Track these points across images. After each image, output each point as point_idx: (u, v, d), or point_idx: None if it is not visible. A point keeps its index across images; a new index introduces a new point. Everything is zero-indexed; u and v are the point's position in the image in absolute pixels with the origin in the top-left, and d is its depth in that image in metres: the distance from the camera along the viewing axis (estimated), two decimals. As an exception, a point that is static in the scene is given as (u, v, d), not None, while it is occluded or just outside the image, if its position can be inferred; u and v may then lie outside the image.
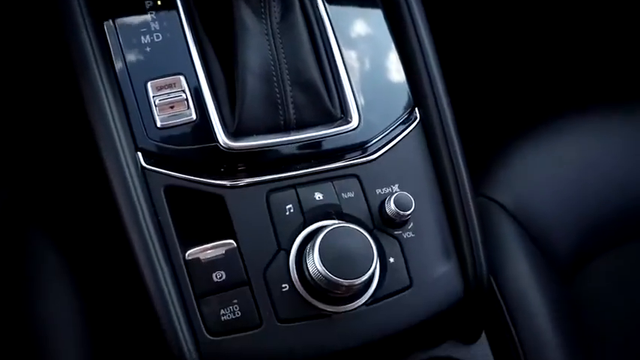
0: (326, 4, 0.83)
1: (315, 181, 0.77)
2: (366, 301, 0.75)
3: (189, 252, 0.73)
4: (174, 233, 0.73)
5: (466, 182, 0.82)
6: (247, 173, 0.75)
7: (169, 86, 0.75)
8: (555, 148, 1.05)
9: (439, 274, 0.79)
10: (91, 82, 0.74)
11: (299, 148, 0.77)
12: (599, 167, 1.04)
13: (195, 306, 0.72)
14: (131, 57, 0.76)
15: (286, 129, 0.78)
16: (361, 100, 0.80)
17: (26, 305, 0.85)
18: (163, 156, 0.74)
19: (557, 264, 0.98)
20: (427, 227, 0.80)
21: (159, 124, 0.75)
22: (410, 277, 0.77)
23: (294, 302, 0.74)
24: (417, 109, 0.83)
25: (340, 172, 0.78)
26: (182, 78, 0.76)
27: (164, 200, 0.73)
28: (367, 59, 0.83)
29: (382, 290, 0.76)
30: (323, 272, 0.70)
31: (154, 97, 0.75)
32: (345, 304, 0.74)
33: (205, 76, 0.76)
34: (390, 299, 0.76)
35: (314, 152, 0.78)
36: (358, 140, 0.79)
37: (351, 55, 0.82)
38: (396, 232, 0.78)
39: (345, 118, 0.79)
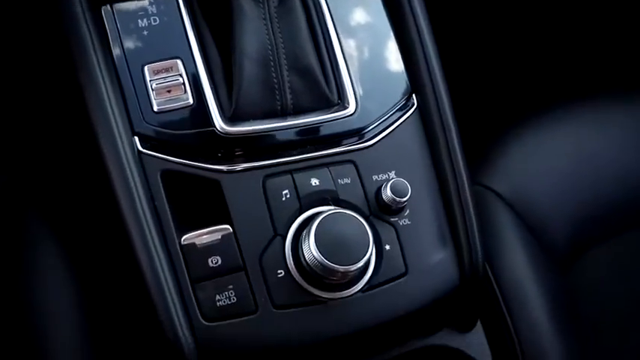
0: (323, -11, 0.82)
1: (312, 166, 0.77)
2: (361, 288, 0.75)
3: (185, 237, 0.73)
4: (170, 218, 0.73)
5: (463, 170, 0.81)
6: (244, 158, 0.75)
7: (166, 70, 0.75)
8: (554, 138, 1.05)
9: (435, 261, 0.79)
10: (88, 66, 0.74)
11: (296, 133, 0.77)
12: (597, 158, 1.04)
13: (191, 291, 0.72)
14: (128, 41, 0.76)
15: (283, 114, 0.77)
16: (358, 86, 0.80)
17: (23, 292, 0.85)
18: (160, 140, 0.74)
19: (553, 254, 0.98)
20: (423, 214, 0.79)
21: (156, 109, 0.74)
22: (406, 265, 0.77)
23: (290, 288, 0.74)
24: (414, 95, 0.83)
25: (337, 158, 0.78)
26: (179, 62, 0.76)
27: (160, 185, 0.73)
28: (365, 46, 0.82)
29: (378, 277, 0.76)
30: (319, 258, 0.70)
31: (150, 81, 0.75)
32: (340, 291, 0.74)
33: (202, 61, 0.76)
34: (386, 286, 0.76)
35: (311, 138, 0.77)
36: (355, 126, 0.78)
37: (349, 42, 0.81)
38: (392, 219, 0.77)
39: (343, 103, 0.79)
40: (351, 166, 0.78)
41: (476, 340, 0.89)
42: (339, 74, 0.80)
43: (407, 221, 0.78)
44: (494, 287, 0.91)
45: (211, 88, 0.75)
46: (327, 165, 0.77)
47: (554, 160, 1.03)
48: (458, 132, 0.83)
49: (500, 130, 1.05)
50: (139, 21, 0.76)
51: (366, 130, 0.79)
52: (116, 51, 0.75)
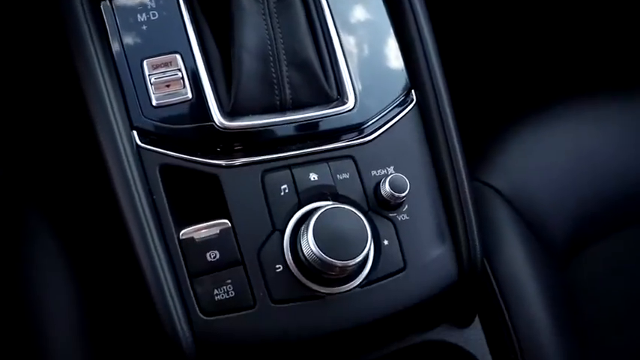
0: (322, -15, 0.82)
1: (311, 161, 0.77)
2: (359, 283, 0.75)
3: (183, 231, 0.73)
4: (168, 212, 0.73)
5: (462, 165, 0.82)
6: (242, 153, 0.75)
7: (165, 65, 0.75)
8: (553, 135, 1.05)
9: (433, 257, 0.79)
10: (87, 60, 0.74)
11: (295, 128, 0.77)
12: (596, 155, 1.04)
13: (189, 285, 0.72)
14: (127, 35, 0.76)
15: (282, 109, 0.77)
16: (358, 82, 0.80)
17: (21, 287, 0.85)
18: (159, 135, 0.74)
19: (552, 250, 0.98)
20: (422, 210, 0.80)
21: (154, 103, 0.74)
22: (404, 260, 0.77)
23: (288, 283, 0.74)
24: (413, 91, 0.83)
25: (336, 153, 0.78)
26: (178, 57, 0.76)
27: (159, 179, 0.73)
28: (364, 41, 0.82)
29: (376, 272, 0.76)
30: (317, 253, 0.70)
31: (149, 75, 0.75)
32: (338, 286, 0.74)
33: (201, 55, 0.76)
34: (384, 281, 0.77)
35: (310, 133, 0.77)
36: (354, 121, 0.79)
37: (348, 37, 0.81)
38: (390, 215, 0.78)
39: (342, 99, 0.79)
40: (349, 162, 0.78)
41: (474, 336, 0.89)
42: (338, 69, 0.80)
43: (405, 217, 0.78)
44: (492, 283, 0.91)
45: (210, 83, 0.75)
46: (325, 160, 0.77)
47: (553, 156, 1.03)
48: (457, 128, 0.83)
49: (500, 127, 1.05)
50: (138, 15, 0.76)
51: (365, 126, 0.79)
52: (115, 46, 0.75)
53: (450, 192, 0.81)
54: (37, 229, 0.88)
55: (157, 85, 0.75)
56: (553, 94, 1.14)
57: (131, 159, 0.73)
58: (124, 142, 0.73)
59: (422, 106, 0.83)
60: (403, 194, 0.75)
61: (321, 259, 0.70)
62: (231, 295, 0.72)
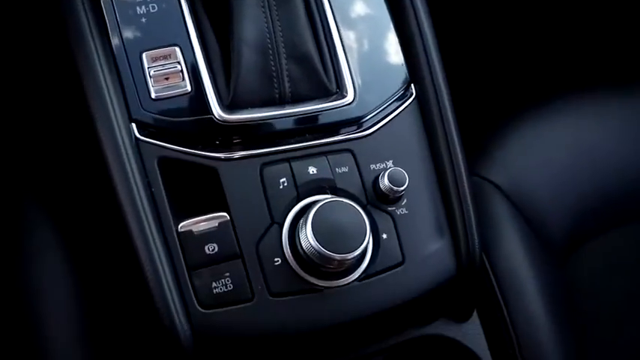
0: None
1: (310, 155, 0.77)
2: (358, 277, 0.75)
3: (181, 224, 0.73)
4: (167, 205, 0.73)
5: (461, 160, 0.82)
6: (241, 146, 0.75)
7: (164, 57, 0.75)
8: (553, 130, 1.05)
9: (432, 251, 0.79)
10: (86, 52, 0.74)
11: (294, 121, 0.77)
12: (596, 150, 1.04)
13: (187, 278, 0.72)
14: (126, 28, 0.75)
15: (281, 102, 0.77)
16: (357, 76, 0.80)
17: (20, 279, 0.85)
18: (158, 127, 0.74)
19: (550, 245, 0.98)
20: (421, 204, 0.80)
21: (153, 96, 0.74)
22: (402, 254, 0.78)
23: (287, 276, 0.74)
24: (413, 85, 0.82)
25: (335, 147, 0.78)
26: (177, 49, 0.75)
27: (158, 172, 0.73)
28: (364, 35, 0.82)
29: (374, 266, 0.76)
30: (315, 246, 0.70)
31: (148, 68, 0.75)
32: (337, 279, 0.74)
33: (201, 48, 0.76)
34: (382, 275, 0.77)
35: (309, 126, 0.77)
36: (353, 115, 0.78)
37: (348, 31, 0.81)
38: (389, 208, 0.78)
39: (341, 92, 0.79)
40: (348, 155, 0.78)
41: (472, 331, 0.89)
42: (338, 63, 0.79)
43: (404, 210, 0.78)
44: (491, 278, 0.91)
45: (209, 76, 0.75)
46: (324, 153, 0.77)
47: (552, 151, 1.03)
48: (456, 123, 0.83)
49: (499, 122, 1.05)
50: (137, 8, 0.76)
51: (364, 119, 0.79)
52: (114, 38, 0.75)
53: (449, 186, 0.81)
54: (36, 222, 0.88)
55: (156, 78, 0.75)
56: (553, 88, 1.14)
57: (130, 151, 0.73)
58: (123, 135, 0.73)
59: (421, 101, 0.83)
60: (402, 188, 0.75)
61: (319, 253, 0.70)
62: (229, 288, 0.72)
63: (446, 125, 0.82)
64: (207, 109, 0.74)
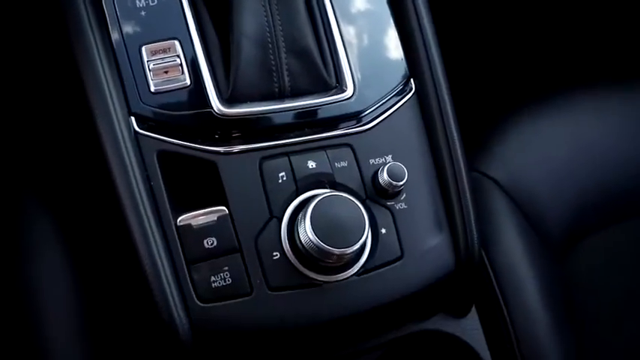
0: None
1: (309, 149, 0.76)
2: (356, 272, 0.75)
3: (180, 218, 0.73)
4: (166, 199, 0.73)
5: (460, 156, 0.81)
6: (241, 140, 0.75)
7: (164, 51, 0.75)
8: (553, 126, 1.05)
9: (431, 246, 0.79)
10: (85, 45, 0.74)
11: (293, 116, 0.77)
12: (596, 146, 1.04)
13: (186, 272, 0.72)
14: (126, 21, 0.75)
15: (281, 96, 0.77)
16: (356, 70, 0.80)
17: (19, 273, 0.85)
18: (157, 121, 0.74)
19: (549, 241, 0.99)
20: (420, 199, 0.79)
21: (153, 89, 0.74)
22: (401, 249, 0.78)
23: (285, 270, 0.74)
24: (412, 80, 0.82)
25: (334, 141, 0.77)
26: (177, 43, 0.75)
27: (157, 165, 0.73)
28: (364, 30, 0.82)
29: (373, 261, 0.76)
30: (314, 241, 0.70)
31: (148, 61, 0.74)
32: (335, 274, 0.74)
33: (200, 42, 0.76)
34: (381, 270, 0.77)
35: (308, 120, 0.77)
36: (353, 110, 0.78)
37: (348, 26, 0.81)
38: (388, 203, 0.78)
39: (340, 87, 0.79)
40: (348, 150, 0.78)
41: (470, 326, 0.89)
42: (337, 57, 0.79)
43: (403, 205, 0.78)
44: (489, 273, 0.91)
45: (209, 70, 0.75)
46: (324, 148, 0.77)
47: (552, 147, 1.03)
48: (455, 118, 0.83)
49: (499, 117, 1.05)
50: (137, 1, 0.76)
51: (364, 114, 0.79)
52: (114, 31, 0.75)
53: (448, 181, 0.81)
54: (35, 216, 0.88)
55: (155, 72, 0.74)
56: (553, 84, 1.14)
57: (129, 145, 0.73)
58: (122, 128, 0.73)
59: (421, 96, 0.83)
60: (401, 183, 0.75)
61: (318, 247, 0.70)
62: (228, 282, 0.72)
63: (445, 120, 0.82)
64: (207, 103, 0.74)
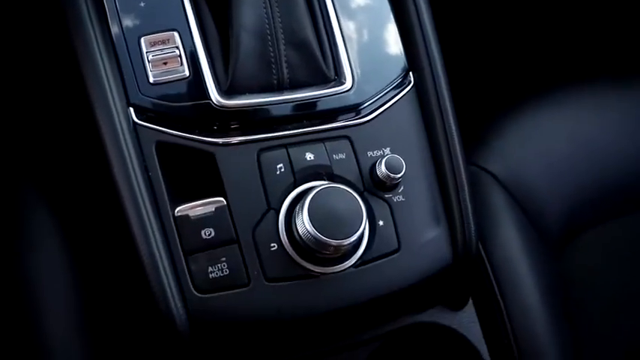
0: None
1: (307, 141, 0.77)
2: (354, 263, 0.75)
3: (178, 209, 0.73)
4: (164, 189, 0.73)
5: (458, 149, 0.82)
6: (239, 131, 0.75)
7: (163, 42, 0.75)
8: (552, 121, 1.05)
9: (428, 238, 0.80)
10: (84, 36, 0.74)
11: (292, 108, 0.77)
12: (595, 142, 1.04)
13: (184, 263, 0.72)
14: (125, 12, 0.75)
15: (279, 88, 0.77)
16: (355, 62, 0.80)
17: (18, 267, 0.85)
18: (155, 112, 0.74)
19: (547, 236, 0.99)
20: (418, 192, 0.80)
21: (152, 80, 0.74)
22: (399, 241, 0.78)
23: (283, 262, 0.74)
24: (411, 73, 0.82)
25: (332, 134, 0.78)
26: (176, 34, 0.75)
27: (155, 156, 0.73)
28: (363, 23, 0.82)
29: (370, 253, 0.76)
30: (312, 232, 0.70)
31: (147, 52, 0.74)
32: (333, 266, 0.74)
33: (199, 33, 0.76)
34: (378, 262, 0.77)
35: (306, 112, 0.77)
36: (351, 102, 0.78)
37: (347, 19, 0.81)
38: (386, 195, 0.78)
39: (339, 79, 0.79)
40: (346, 142, 0.78)
41: (467, 319, 0.90)
42: (336, 50, 0.79)
43: (401, 198, 0.78)
44: (486, 267, 0.91)
45: (208, 61, 0.75)
46: (322, 140, 0.77)
47: (551, 142, 1.03)
48: (454, 112, 0.83)
49: (498, 112, 1.05)
50: None
51: (362, 107, 0.79)
52: (113, 22, 0.75)
53: (446, 175, 0.81)
54: (34, 209, 0.88)
55: (154, 63, 0.74)
56: (552, 80, 1.14)
57: (127, 136, 0.73)
58: (121, 119, 0.73)
59: (420, 90, 0.83)
60: (399, 175, 0.75)
61: (315, 238, 0.70)
62: (225, 273, 0.73)
63: (444, 114, 0.82)
64: (205, 94, 0.74)
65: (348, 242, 0.71)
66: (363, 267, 0.76)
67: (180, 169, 0.74)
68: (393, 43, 0.83)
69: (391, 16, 0.84)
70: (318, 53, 0.79)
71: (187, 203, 0.73)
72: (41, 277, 0.85)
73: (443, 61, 0.84)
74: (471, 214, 0.82)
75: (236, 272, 0.73)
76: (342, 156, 0.77)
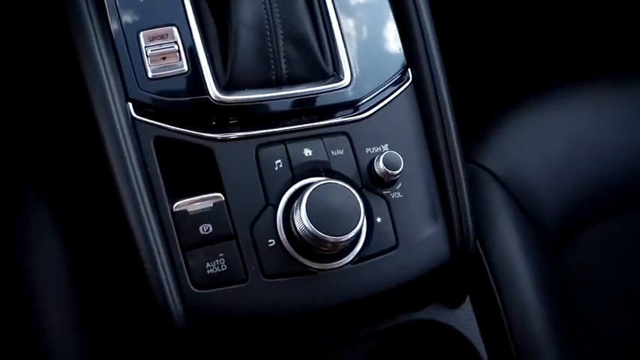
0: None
1: (305, 137, 0.77)
2: (351, 260, 0.75)
3: (176, 204, 0.73)
4: (162, 185, 0.73)
5: (456, 146, 0.82)
6: (237, 127, 0.75)
7: (162, 37, 0.75)
8: (551, 118, 1.05)
9: (426, 235, 0.80)
10: (83, 31, 0.74)
11: (290, 103, 0.77)
12: (594, 139, 1.04)
13: (182, 258, 0.72)
14: (124, 7, 0.75)
15: (278, 84, 0.77)
16: (354, 58, 0.80)
17: (17, 263, 0.85)
18: (154, 107, 0.74)
19: (545, 234, 0.99)
20: (416, 189, 0.80)
21: (150, 75, 0.74)
22: (396, 238, 0.78)
23: (280, 258, 0.74)
24: (409, 69, 0.82)
25: (330, 130, 0.77)
26: (175, 29, 0.75)
27: (153, 151, 0.73)
28: (362, 19, 0.82)
29: (368, 249, 0.76)
30: (310, 228, 0.70)
31: (146, 47, 0.74)
32: (330, 262, 0.74)
33: (198, 28, 0.76)
34: (376, 259, 0.77)
35: (305, 108, 0.77)
36: (349, 98, 0.78)
37: (346, 15, 0.81)
38: (384, 192, 0.78)
39: (337, 75, 0.79)
40: (344, 138, 0.78)
41: (464, 316, 0.90)
42: (335, 46, 0.79)
43: (399, 194, 0.78)
44: (484, 265, 0.91)
45: (206, 56, 0.75)
46: (320, 136, 0.77)
47: (549, 140, 1.03)
48: (452, 109, 0.83)
49: (497, 110, 1.05)
50: None
51: (361, 103, 0.79)
52: (112, 17, 0.75)
53: (444, 172, 0.81)
54: (33, 205, 0.88)
55: (153, 58, 0.74)
56: (552, 77, 1.14)
57: (126, 131, 0.73)
58: (119, 114, 0.73)
59: (418, 86, 0.83)
60: (397, 172, 0.75)
61: (313, 235, 0.70)
62: (223, 269, 0.73)
63: (442, 111, 0.82)
64: (204, 90, 0.74)
65: (346, 238, 0.71)
66: (360, 263, 0.76)
67: (178, 165, 0.73)
68: (391, 39, 0.83)
69: (390, 13, 0.84)
70: (316, 49, 0.79)
71: (185, 199, 0.73)
72: (40, 273, 0.85)
73: (442, 57, 0.84)
74: (468, 212, 0.82)
75: (234, 268, 0.73)
76: (340, 152, 0.77)
